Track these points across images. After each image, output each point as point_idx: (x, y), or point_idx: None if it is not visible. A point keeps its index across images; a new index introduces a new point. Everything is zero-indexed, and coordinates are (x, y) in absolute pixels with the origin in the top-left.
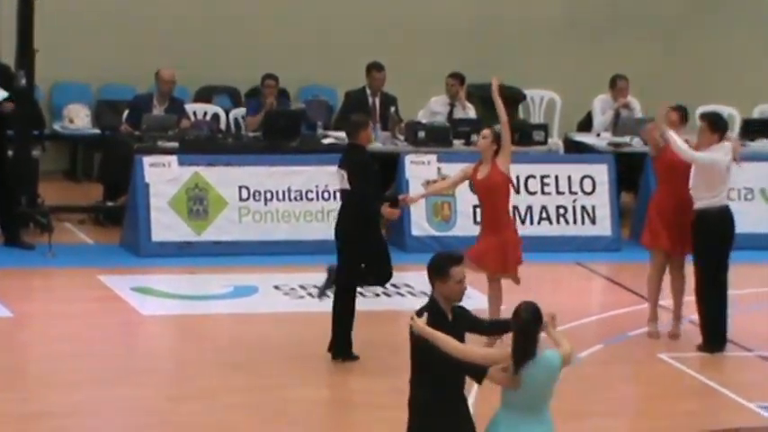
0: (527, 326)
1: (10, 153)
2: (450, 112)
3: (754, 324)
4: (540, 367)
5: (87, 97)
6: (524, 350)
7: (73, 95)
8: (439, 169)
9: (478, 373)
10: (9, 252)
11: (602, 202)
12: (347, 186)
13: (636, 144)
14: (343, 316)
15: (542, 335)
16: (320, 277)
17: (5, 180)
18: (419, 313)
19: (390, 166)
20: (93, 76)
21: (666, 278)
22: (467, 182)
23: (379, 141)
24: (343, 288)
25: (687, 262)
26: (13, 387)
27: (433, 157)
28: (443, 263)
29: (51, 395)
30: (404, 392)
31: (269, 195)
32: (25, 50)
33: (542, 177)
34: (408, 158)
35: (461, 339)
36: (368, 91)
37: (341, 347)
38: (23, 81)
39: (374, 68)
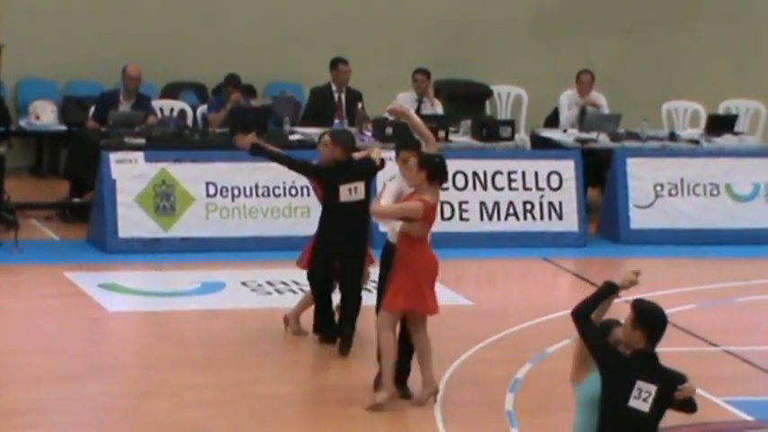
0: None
1: None
2: (418, 109)
3: (718, 319)
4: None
5: (54, 94)
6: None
7: (39, 92)
8: None
9: None
10: None
11: (568, 197)
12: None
13: (602, 140)
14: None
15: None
16: (288, 273)
17: None
18: None
19: None
20: (60, 72)
21: None
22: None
23: None
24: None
25: None
26: None
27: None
28: None
29: (16, 392)
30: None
31: (236, 192)
32: None
33: (509, 173)
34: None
35: None
36: (333, 87)
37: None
38: None
39: (339, 63)
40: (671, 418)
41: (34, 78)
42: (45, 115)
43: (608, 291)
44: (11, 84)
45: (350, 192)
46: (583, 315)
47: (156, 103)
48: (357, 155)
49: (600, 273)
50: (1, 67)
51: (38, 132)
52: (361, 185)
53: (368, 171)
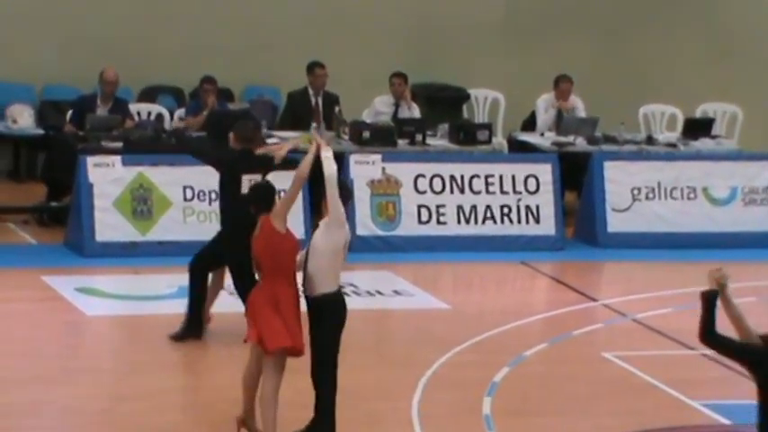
0: None
1: None
2: (396, 112)
3: (695, 323)
4: None
5: (31, 98)
6: None
7: (16, 96)
8: (383, 169)
9: None
10: None
11: (546, 201)
12: None
13: (579, 144)
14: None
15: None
16: None
17: None
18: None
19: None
20: (37, 76)
21: None
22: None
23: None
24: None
25: None
26: None
27: (378, 157)
28: None
29: None
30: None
31: (213, 195)
32: None
33: (486, 177)
34: (353, 158)
35: None
36: (310, 91)
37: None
38: None
39: (315, 67)
40: (648, 422)
41: (11, 82)
42: (22, 119)
43: (712, 300)
44: None
45: (250, 182)
46: (710, 335)
47: (134, 107)
48: (262, 149)
49: (577, 276)
50: None
51: (15, 136)
52: (258, 179)
53: (264, 165)
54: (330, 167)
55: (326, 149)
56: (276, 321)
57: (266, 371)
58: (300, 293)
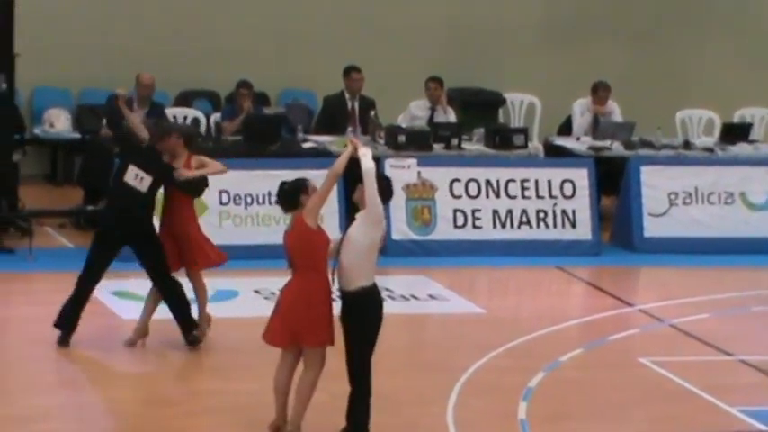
0: None
1: None
2: (431, 117)
3: (733, 328)
4: None
5: (68, 101)
6: None
7: (53, 100)
8: (419, 173)
9: None
10: None
11: (582, 206)
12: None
13: (615, 148)
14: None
15: None
16: None
17: None
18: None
19: None
20: (74, 80)
21: None
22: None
23: None
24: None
25: None
26: None
27: (414, 161)
28: None
29: (30, 399)
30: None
31: (249, 199)
32: (6, 55)
33: (522, 181)
34: (388, 162)
35: None
36: (346, 95)
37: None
38: (4, 85)
39: (352, 71)
40: (684, 428)
41: (48, 86)
42: (59, 123)
43: None
44: (26, 92)
45: (136, 177)
46: None
47: (170, 111)
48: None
49: (613, 281)
50: (16, 76)
51: (52, 140)
52: (147, 178)
53: (158, 170)
54: (368, 163)
55: (365, 148)
56: (311, 316)
57: (306, 362)
58: (334, 288)
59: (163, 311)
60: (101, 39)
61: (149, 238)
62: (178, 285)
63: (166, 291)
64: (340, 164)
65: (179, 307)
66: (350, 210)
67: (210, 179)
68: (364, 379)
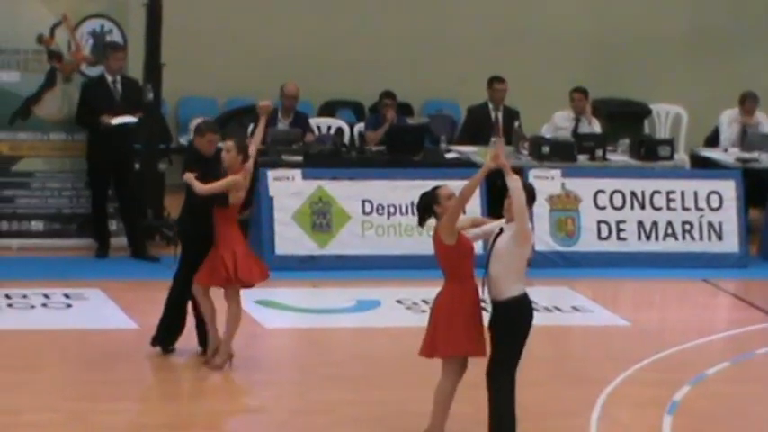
0: None
1: (137, 166)
2: (576, 127)
3: None
4: None
5: (213, 111)
6: None
7: (199, 109)
8: (563, 184)
9: None
10: (135, 265)
11: (729, 218)
12: None
13: (763, 160)
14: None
15: None
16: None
17: (132, 193)
18: None
19: None
20: (219, 90)
21: None
22: None
23: None
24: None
25: None
26: (132, 398)
27: (558, 172)
28: None
29: (170, 407)
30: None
31: (392, 209)
32: (153, 65)
33: (668, 193)
34: (532, 173)
35: None
36: (490, 105)
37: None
38: (151, 95)
39: (495, 81)
40: None
41: (194, 96)
42: None
43: None
44: (172, 102)
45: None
46: None
47: (314, 121)
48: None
49: (761, 295)
50: (162, 85)
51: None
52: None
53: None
54: (513, 182)
55: (512, 177)
56: (455, 327)
57: (445, 369)
58: (483, 298)
59: (306, 320)
60: (246, 49)
61: (191, 244)
62: (186, 298)
63: (176, 294)
64: (474, 183)
65: (172, 315)
66: (491, 199)
67: (355, 189)
68: (507, 387)
